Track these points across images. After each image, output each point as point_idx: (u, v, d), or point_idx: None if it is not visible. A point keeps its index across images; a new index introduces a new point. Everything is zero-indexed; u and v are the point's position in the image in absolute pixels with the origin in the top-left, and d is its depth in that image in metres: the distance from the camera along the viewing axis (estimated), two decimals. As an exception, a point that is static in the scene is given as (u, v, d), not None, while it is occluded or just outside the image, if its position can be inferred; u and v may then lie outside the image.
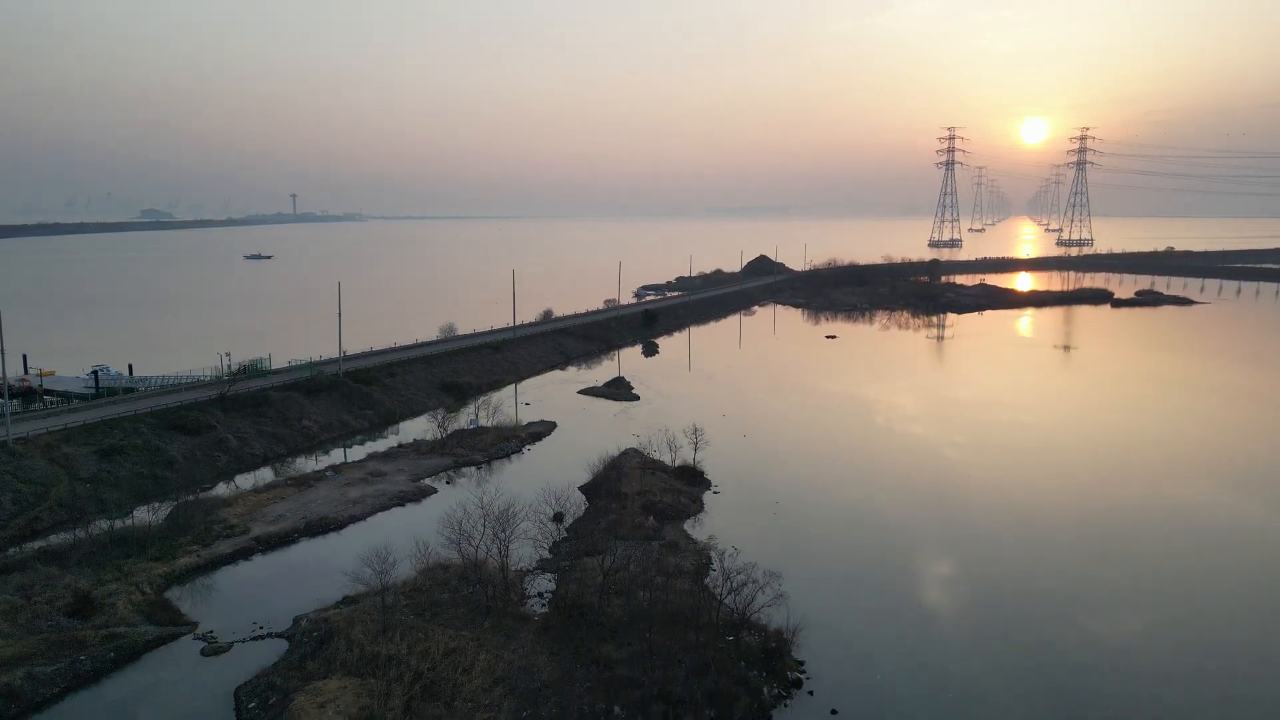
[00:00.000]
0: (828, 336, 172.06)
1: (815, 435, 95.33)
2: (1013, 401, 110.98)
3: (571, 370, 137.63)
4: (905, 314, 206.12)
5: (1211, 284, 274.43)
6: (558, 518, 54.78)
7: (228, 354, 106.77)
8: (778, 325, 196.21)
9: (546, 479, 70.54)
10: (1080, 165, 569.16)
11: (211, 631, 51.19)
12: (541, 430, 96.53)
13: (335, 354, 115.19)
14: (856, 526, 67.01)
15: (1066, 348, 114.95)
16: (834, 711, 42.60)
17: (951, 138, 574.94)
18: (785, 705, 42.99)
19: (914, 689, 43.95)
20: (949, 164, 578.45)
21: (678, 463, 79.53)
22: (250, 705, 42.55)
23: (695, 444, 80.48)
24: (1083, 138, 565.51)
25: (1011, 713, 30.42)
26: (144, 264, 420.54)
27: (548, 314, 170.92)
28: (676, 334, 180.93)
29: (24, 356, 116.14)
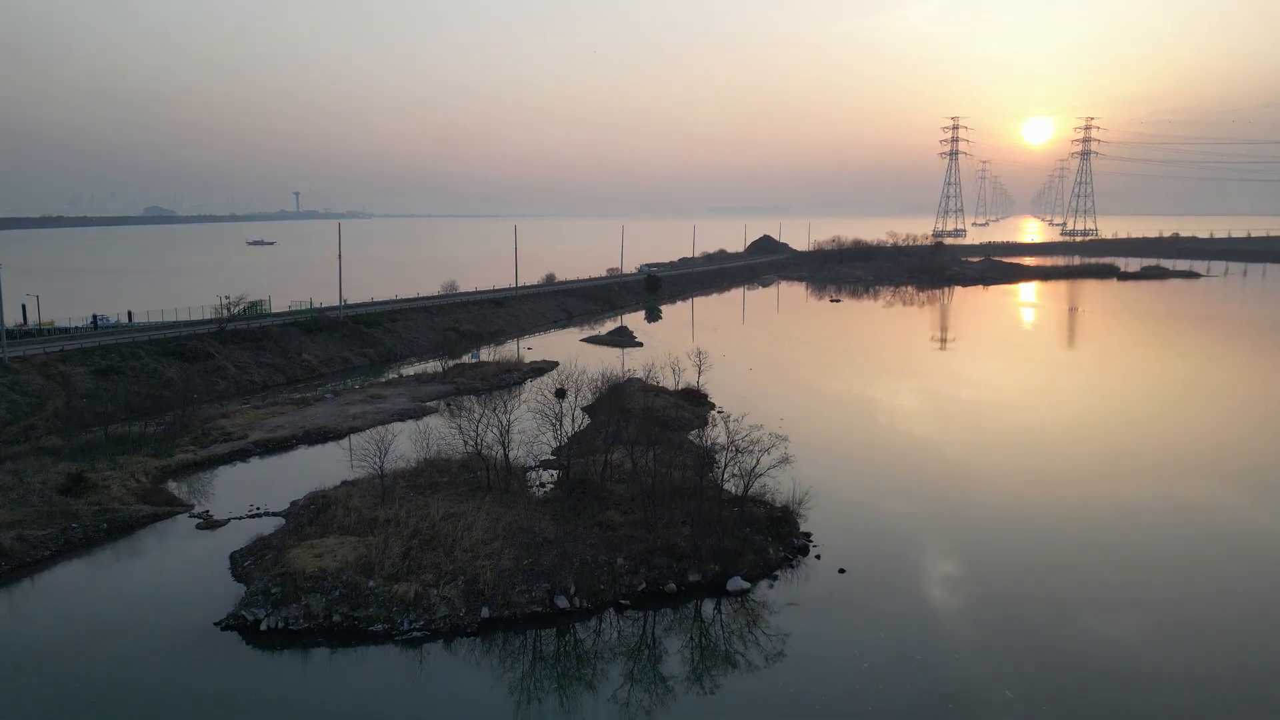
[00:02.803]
0: (832, 300, 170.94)
1: (821, 374, 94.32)
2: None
3: (574, 329, 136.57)
4: (910, 288, 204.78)
5: (1218, 265, 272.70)
6: (560, 393, 53.75)
7: (227, 297, 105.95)
8: (782, 298, 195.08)
9: (549, 401, 69.55)
10: (1085, 155, 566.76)
11: (207, 510, 50.34)
12: (544, 367, 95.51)
13: (336, 304, 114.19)
14: (872, 444, 65.99)
15: (1073, 310, 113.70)
16: (841, 570, 41.60)
17: (955, 128, 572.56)
18: (792, 567, 42.00)
19: (923, 564, 43.03)
20: (953, 154, 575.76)
21: (681, 386, 78.49)
22: (246, 563, 41.67)
23: (699, 367, 79.32)
24: (1087, 128, 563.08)
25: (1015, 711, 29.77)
26: (147, 247, 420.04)
27: (550, 278, 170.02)
28: (680, 302, 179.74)
29: (23, 307, 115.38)
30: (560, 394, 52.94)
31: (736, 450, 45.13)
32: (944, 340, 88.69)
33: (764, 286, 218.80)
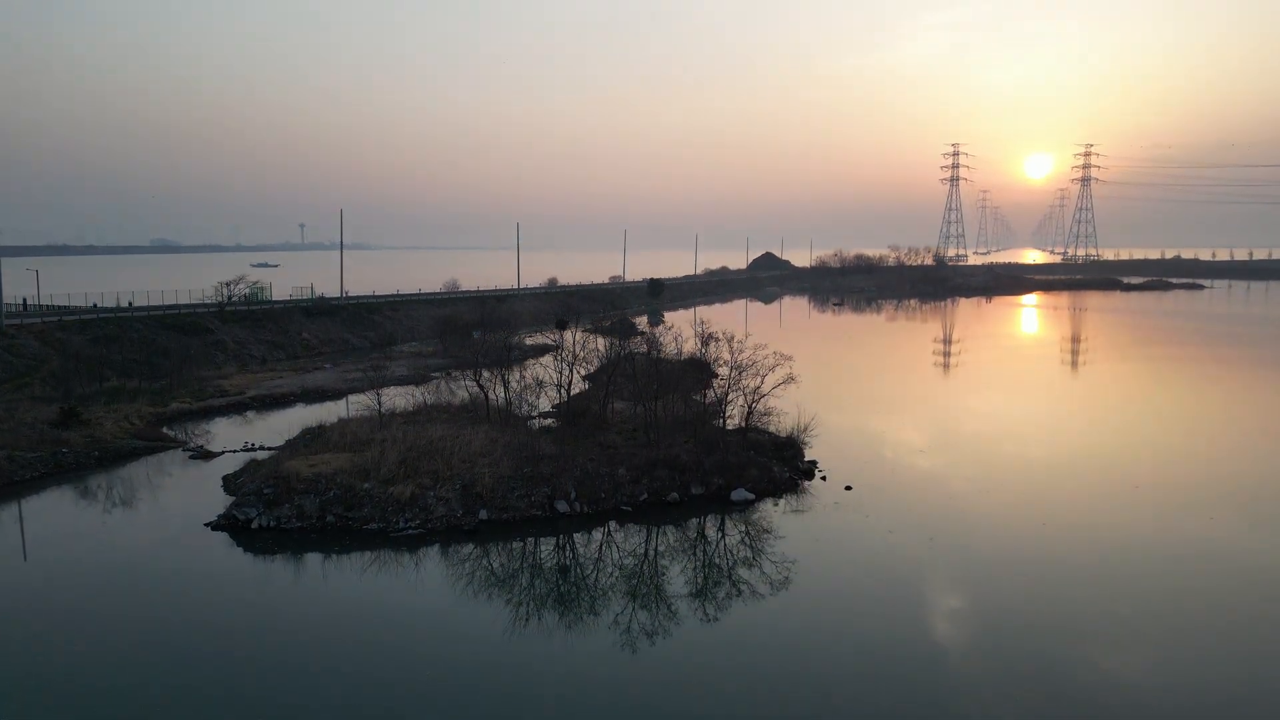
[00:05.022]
0: (834, 304, 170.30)
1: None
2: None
3: (576, 327, 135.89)
4: (914, 301, 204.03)
5: (1220, 282, 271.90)
6: (561, 324, 52.91)
7: (227, 283, 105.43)
8: (785, 310, 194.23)
9: (551, 374, 68.51)
10: (1085, 181, 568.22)
11: (201, 444, 49.46)
12: (547, 347, 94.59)
13: (338, 293, 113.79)
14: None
15: (1076, 346, 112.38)
16: (848, 488, 40.59)
17: (955, 154, 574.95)
18: (798, 486, 40.95)
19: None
20: (953, 180, 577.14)
21: (684, 356, 77.57)
22: (238, 479, 40.70)
23: (702, 338, 78.35)
24: (1086, 154, 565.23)
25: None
26: (152, 271, 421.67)
27: (552, 281, 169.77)
28: (682, 310, 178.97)
29: (23, 300, 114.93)
30: (562, 325, 52.03)
31: (739, 370, 44.24)
32: (946, 363, 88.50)
33: (765, 303, 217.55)
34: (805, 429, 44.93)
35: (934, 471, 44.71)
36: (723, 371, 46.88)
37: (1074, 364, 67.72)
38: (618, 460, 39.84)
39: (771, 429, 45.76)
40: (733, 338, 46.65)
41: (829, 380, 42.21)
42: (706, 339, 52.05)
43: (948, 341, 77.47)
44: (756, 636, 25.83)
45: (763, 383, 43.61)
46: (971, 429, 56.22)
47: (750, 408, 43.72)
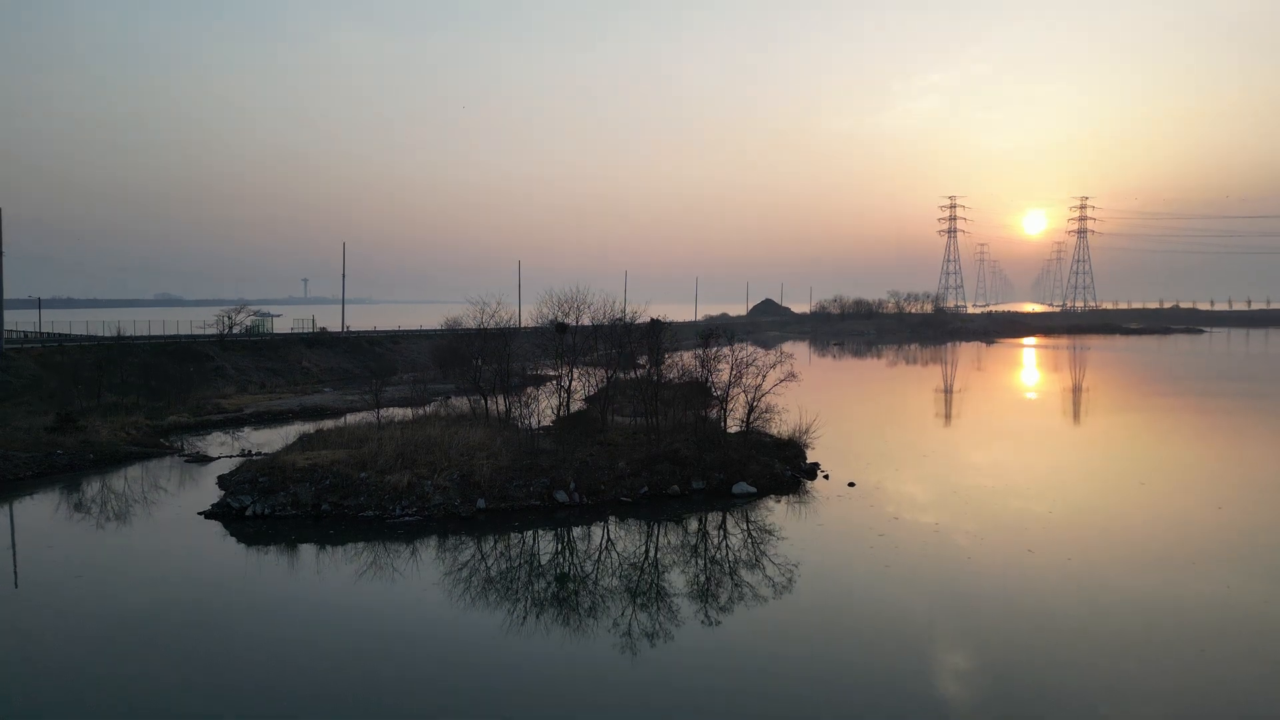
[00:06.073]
0: (835, 344, 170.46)
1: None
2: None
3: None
4: (915, 346, 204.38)
5: (1219, 330, 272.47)
6: (560, 328, 52.78)
7: (228, 315, 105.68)
8: (785, 353, 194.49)
9: (551, 402, 68.18)
10: (1081, 234, 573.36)
11: (198, 450, 49.01)
12: (549, 376, 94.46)
13: (340, 326, 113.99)
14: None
15: (1078, 394, 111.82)
16: (851, 484, 40.07)
17: (953, 206, 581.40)
18: (801, 485, 40.41)
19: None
20: (951, 231, 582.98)
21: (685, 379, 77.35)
22: (233, 476, 40.19)
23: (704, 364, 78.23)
24: (1082, 206, 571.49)
25: None
26: (155, 321, 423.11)
27: (553, 321, 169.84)
28: (682, 351, 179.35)
29: (24, 334, 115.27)
30: (561, 329, 51.92)
31: (739, 369, 44.01)
32: (948, 413, 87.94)
33: (766, 348, 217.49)
34: (807, 431, 44.53)
35: (941, 526, 44.14)
36: (723, 372, 46.48)
37: (1077, 414, 67.13)
38: (618, 455, 39.41)
39: (774, 431, 45.38)
40: (733, 337, 46.38)
41: (832, 436, 41.33)
42: (708, 359, 51.51)
43: (948, 391, 77.18)
44: (756, 633, 24.44)
45: (763, 380, 43.34)
46: (975, 482, 55.72)
47: (751, 405, 43.40)
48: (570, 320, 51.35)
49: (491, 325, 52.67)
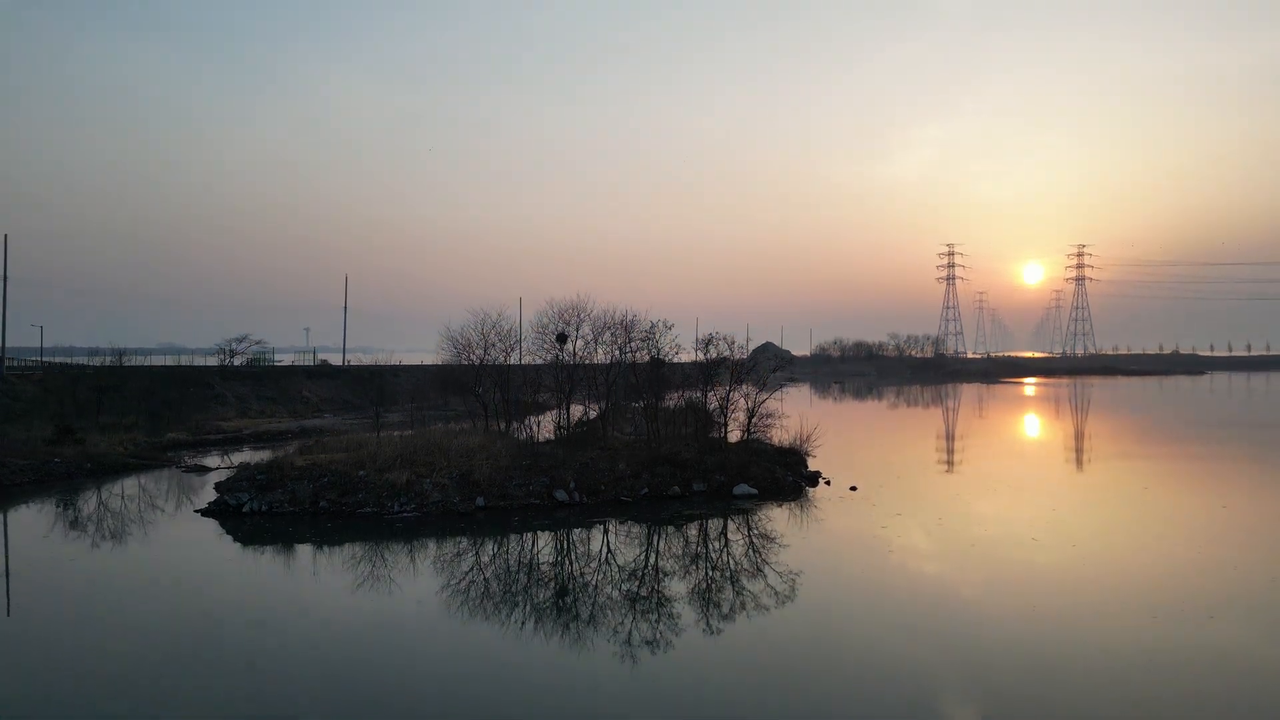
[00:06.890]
0: (835, 382, 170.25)
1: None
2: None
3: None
4: (916, 386, 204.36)
5: (1220, 374, 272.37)
6: (561, 338, 52.75)
7: (230, 345, 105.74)
8: (786, 398, 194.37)
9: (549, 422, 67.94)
10: (1080, 281, 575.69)
11: (197, 462, 48.75)
12: (550, 405, 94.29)
13: (341, 361, 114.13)
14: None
15: (1081, 445, 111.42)
16: (853, 488, 39.78)
17: (951, 253, 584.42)
18: (803, 491, 40.09)
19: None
20: (949, 279, 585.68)
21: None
22: (231, 480, 39.93)
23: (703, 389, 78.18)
24: (1079, 253, 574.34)
25: None
26: (157, 360, 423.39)
27: (553, 359, 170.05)
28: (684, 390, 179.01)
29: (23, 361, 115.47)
30: (561, 339, 51.97)
31: (737, 367, 44.04)
32: (950, 462, 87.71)
33: (766, 392, 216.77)
34: (808, 438, 44.35)
35: (939, 576, 43.89)
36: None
37: (1082, 461, 66.93)
38: (618, 457, 39.21)
39: (776, 441, 45.24)
40: (733, 342, 46.48)
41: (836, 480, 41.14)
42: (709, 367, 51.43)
43: (950, 438, 77.01)
44: (757, 644, 23.61)
45: (764, 383, 43.27)
46: (979, 533, 55.47)
47: (753, 410, 43.33)
48: (570, 330, 50.98)
49: (493, 335, 52.26)
